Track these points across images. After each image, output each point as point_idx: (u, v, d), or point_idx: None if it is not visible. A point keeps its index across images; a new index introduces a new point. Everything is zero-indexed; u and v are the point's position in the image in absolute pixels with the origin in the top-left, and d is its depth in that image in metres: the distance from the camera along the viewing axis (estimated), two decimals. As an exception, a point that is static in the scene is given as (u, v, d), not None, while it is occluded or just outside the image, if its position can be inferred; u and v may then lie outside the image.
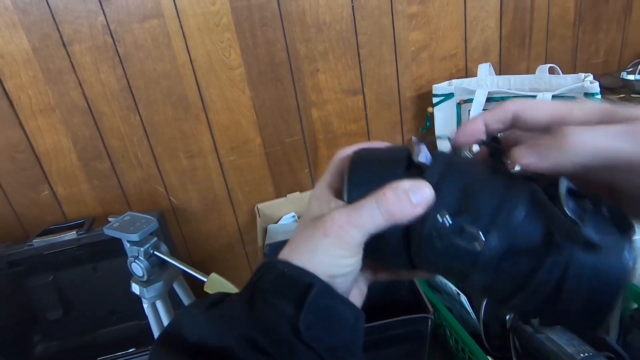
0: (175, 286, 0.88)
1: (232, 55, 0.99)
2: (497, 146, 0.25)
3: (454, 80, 1.08)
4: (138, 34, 0.93)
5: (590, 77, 0.91)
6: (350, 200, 0.25)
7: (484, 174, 0.24)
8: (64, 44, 0.90)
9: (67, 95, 0.94)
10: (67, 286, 1.00)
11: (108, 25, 0.91)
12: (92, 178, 1.03)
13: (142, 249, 0.76)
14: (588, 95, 0.91)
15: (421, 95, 1.16)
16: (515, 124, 0.24)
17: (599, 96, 0.91)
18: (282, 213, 1.14)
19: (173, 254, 0.82)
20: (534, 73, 1.01)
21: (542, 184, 0.22)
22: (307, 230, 0.25)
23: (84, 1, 0.88)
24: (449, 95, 1.08)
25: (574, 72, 0.97)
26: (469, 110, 1.04)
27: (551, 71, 1.00)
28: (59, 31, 0.89)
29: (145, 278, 0.78)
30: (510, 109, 0.24)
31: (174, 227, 1.11)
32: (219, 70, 1.00)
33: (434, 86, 1.08)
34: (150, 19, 0.92)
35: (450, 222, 0.22)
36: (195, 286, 0.94)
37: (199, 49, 0.97)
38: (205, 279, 0.74)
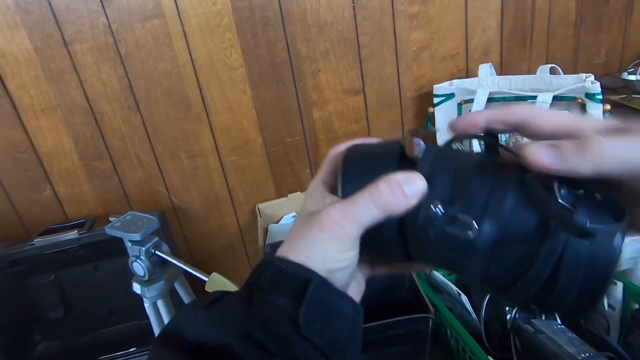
0: (177, 286, 0.88)
1: (233, 55, 1.00)
2: (491, 141, 0.25)
3: (454, 81, 1.08)
4: (139, 34, 0.93)
5: (591, 77, 0.91)
6: (345, 196, 0.25)
7: (475, 163, 0.24)
8: (65, 44, 0.90)
9: (68, 95, 0.95)
10: (68, 286, 1.00)
11: (109, 25, 0.91)
12: (94, 178, 1.03)
13: (143, 248, 0.76)
14: (589, 95, 0.91)
15: (422, 96, 1.16)
16: (520, 129, 0.24)
17: (600, 96, 0.91)
18: (283, 213, 1.14)
19: (174, 253, 0.82)
20: (535, 73, 1.01)
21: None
22: (304, 226, 0.25)
23: (85, 1, 0.88)
24: (450, 96, 1.08)
25: (575, 73, 0.97)
26: (470, 111, 1.04)
27: (552, 71, 1.00)
28: (60, 31, 0.89)
29: (146, 277, 0.78)
30: (518, 113, 0.24)
31: (175, 227, 1.12)
32: (220, 70, 1.00)
33: (435, 86, 1.08)
34: (151, 19, 0.92)
35: (443, 211, 0.22)
36: (196, 286, 0.94)
37: (200, 49, 0.97)
38: (206, 279, 0.74)
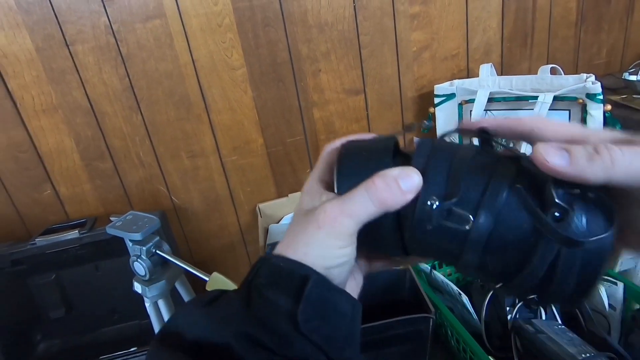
0: (177, 285, 0.88)
1: (234, 55, 1.00)
2: (485, 136, 0.26)
3: (455, 81, 1.08)
4: (140, 34, 0.93)
5: (592, 77, 0.91)
6: (341, 192, 0.25)
7: (470, 157, 0.24)
8: (66, 44, 0.91)
9: (69, 95, 0.95)
10: (69, 285, 1.00)
11: (111, 26, 0.91)
12: (95, 178, 1.03)
13: (144, 248, 0.76)
14: (590, 95, 0.91)
15: (422, 96, 1.16)
16: (527, 138, 0.24)
17: (601, 97, 0.91)
18: (284, 213, 1.14)
19: (175, 253, 0.82)
20: (536, 73, 1.01)
21: (527, 163, 0.23)
22: (300, 224, 0.25)
23: (87, 1, 0.88)
24: (451, 96, 1.08)
25: (576, 73, 0.97)
26: (471, 111, 1.04)
27: (553, 72, 1.00)
28: (62, 31, 0.89)
29: (147, 277, 0.78)
30: (527, 122, 0.24)
31: (175, 227, 1.12)
32: (221, 70, 1.00)
33: (436, 86, 1.08)
34: (152, 19, 0.93)
35: (439, 205, 0.23)
36: (197, 286, 0.94)
37: (201, 49, 0.97)
38: (207, 279, 0.74)
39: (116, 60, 0.94)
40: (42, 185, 1.01)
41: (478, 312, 0.71)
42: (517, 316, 0.68)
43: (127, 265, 0.79)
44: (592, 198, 0.21)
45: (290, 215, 1.14)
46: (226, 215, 1.15)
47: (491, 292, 0.71)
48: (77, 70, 0.93)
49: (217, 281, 0.73)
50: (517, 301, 0.69)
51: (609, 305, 0.68)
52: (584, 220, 0.21)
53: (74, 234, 0.92)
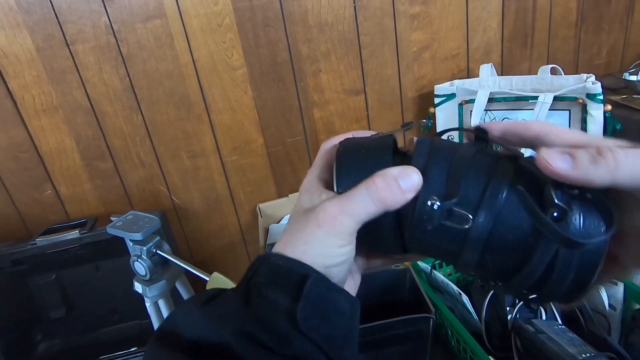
0: (178, 285, 0.88)
1: (234, 55, 1.00)
2: (482, 135, 0.26)
3: (455, 81, 1.08)
4: (141, 34, 0.93)
5: (592, 77, 0.91)
6: (340, 190, 0.25)
7: (468, 156, 0.24)
8: (67, 44, 0.91)
9: (70, 95, 0.95)
10: (69, 285, 1.00)
11: (111, 25, 0.91)
12: (95, 177, 1.03)
13: (144, 248, 0.76)
14: (590, 96, 0.91)
15: (423, 96, 1.16)
16: (535, 143, 0.25)
17: (601, 97, 0.91)
18: (284, 213, 1.14)
19: (175, 253, 0.82)
20: (536, 74, 1.01)
21: (526, 163, 0.23)
22: (299, 222, 0.25)
23: (87, 1, 0.88)
24: (451, 96, 1.08)
25: (576, 73, 0.97)
26: (471, 111, 1.04)
27: (553, 72, 1.00)
28: (62, 31, 0.90)
29: (147, 277, 0.78)
30: (534, 128, 0.25)
31: (176, 227, 1.12)
32: (222, 70, 1.00)
33: (436, 86, 1.08)
34: (153, 19, 0.93)
35: (439, 205, 0.23)
36: (198, 285, 0.94)
37: (201, 49, 0.97)
38: (207, 278, 0.74)
39: (117, 60, 0.94)
40: (42, 185, 1.01)
41: (478, 312, 0.71)
42: (517, 316, 0.68)
43: (128, 265, 0.79)
44: (591, 199, 0.21)
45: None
46: (226, 215, 1.15)
47: (491, 292, 0.71)
48: (78, 70, 0.93)
49: (218, 281, 0.73)
50: (517, 301, 0.69)
51: (609, 305, 0.68)
52: (582, 220, 0.21)
53: (74, 233, 0.92)
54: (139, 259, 0.77)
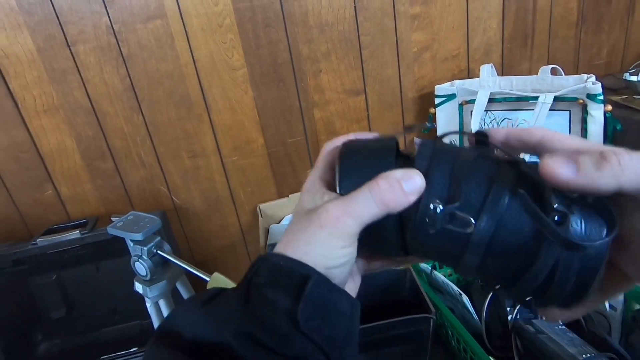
0: (178, 285, 0.88)
1: (234, 55, 1.00)
2: (482, 139, 0.26)
3: (456, 81, 1.08)
4: (141, 34, 0.93)
5: (593, 78, 0.91)
6: (343, 192, 0.25)
7: (470, 159, 0.24)
8: (68, 45, 0.91)
9: (71, 96, 0.95)
10: (70, 285, 1.00)
11: (112, 26, 0.91)
12: (96, 178, 1.03)
13: (145, 248, 0.76)
14: (590, 96, 0.91)
15: (423, 96, 1.16)
16: (537, 149, 0.25)
17: (602, 97, 0.91)
18: (284, 213, 1.14)
19: (175, 253, 0.82)
20: (536, 74, 1.01)
21: (527, 168, 0.23)
22: (302, 223, 0.25)
23: (88, 2, 0.89)
24: (451, 96, 1.08)
25: (577, 73, 0.97)
26: (471, 111, 1.04)
27: (553, 72, 1.00)
28: (63, 32, 0.90)
29: (148, 277, 0.78)
30: (537, 133, 0.25)
31: (176, 227, 1.12)
32: (222, 70, 1.00)
33: (436, 87, 1.09)
34: (153, 19, 0.93)
35: (442, 208, 0.23)
36: (198, 286, 0.94)
37: (202, 50, 0.97)
38: (207, 279, 0.74)
39: (117, 60, 0.94)
40: (43, 185, 1.01)
41: (478, 313, 0.71)
42: (518, 316, 0.68)
43: (128, 266, 0.79)
44: (591, 203, 0.21)
45: (291, 215, 1.13)
46: (227, 215, 1.15)
47: (492, 293, 0.71)
48: (79, 71, 0.93)
49: (218, 281, 0.73)
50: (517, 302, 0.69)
51: (610, 305, 0.68)
52: (583, 224, 0.21)
53: (75, 234, 0.92)
54: (139, 259, 0.77)
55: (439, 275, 0.78)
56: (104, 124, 0.99)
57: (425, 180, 0.24)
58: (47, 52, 0.90)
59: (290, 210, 1.14)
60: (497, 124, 1.06)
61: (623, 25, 1.26)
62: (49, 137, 0.97)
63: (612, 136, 0.95)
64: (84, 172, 1.02)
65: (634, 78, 1.08)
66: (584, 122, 0.95)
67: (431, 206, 0.23)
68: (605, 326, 0.68)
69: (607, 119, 0.93)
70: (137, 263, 0.77)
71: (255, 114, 1.06)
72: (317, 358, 0.23)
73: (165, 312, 0.84)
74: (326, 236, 0.24)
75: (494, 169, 0.24)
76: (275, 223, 1.13)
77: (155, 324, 0.87)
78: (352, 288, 0.28)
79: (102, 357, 0.98)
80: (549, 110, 0.94)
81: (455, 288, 0.74)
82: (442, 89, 1.08)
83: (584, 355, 0.56)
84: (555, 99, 0.93)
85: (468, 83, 1.06)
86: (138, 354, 0.97)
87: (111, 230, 0.78)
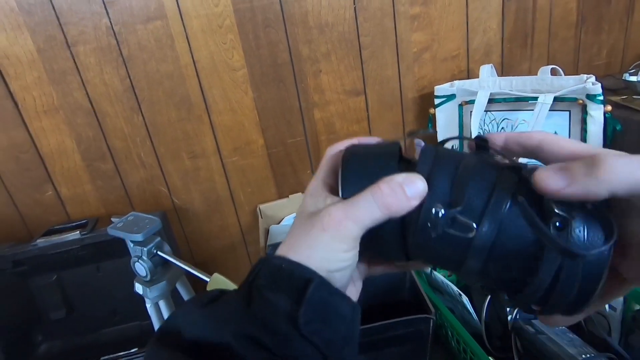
0: (178, 286, 0.88)
1: (234, 56, 1.00)
2: (482, 143, 0.26)
3: (455, 82, 1.08)
4: (141, 35, 0.93)
5: (592, 78, 0.91)
6: (346, 196, 0.25)
7: (472, 164, 0.24)
8: (68, 45, 0.91)
9: (71, 96, 0.95)
10: (70, 286, 1.00)
11: (112, 27, 0.91)
12: (96, 178, 1.04)
13: (145, 249, 0.76)
14: (590, 96, 0.91)
15: (423, 97, 1.16)
16: (536, 152, 0.25)
17: (601, 97, 0.91)
18: (284, 214, 1.14)
19: (175, 254, 0.82)
20: (536, 74, 1.01)
21: (528, 173, 0.23)
22: (304, 226, 0.25)
23: (88, 3, 0.89)
24: (451, 97, 1.08)
25: (576, 74, 0.97)
26: (471, 112, 1.04)
27: (553, 72, 1.00)
28: (63, 32, 0.90)
29: (148, 278, 0.78)
30: (536, 137, 0.25)
31: (176, 228, 1.12)
32: (222, 71, 1.00)
33: (436, 87, 1.09)
34: (153, 20, 0.93)
35: (444, 213, 0.23)
36: (198, 286, 0.94)
37: (202, 50, 0.97)
38: (208, 279, 0.74)
39: (117, 61, 0.94)
40: (43, 186, 1.01)
41: (478, 313, 0.71)
42: (518, 317, 0.69)
43: (128, 266, 0.79)
44: (590, 209, 0.21)
45: (291, 216, 1.14)
46: (227, 216, 1.16)
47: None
48: (79, 71, 0.94)
49: (218, 282, 0.73)
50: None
51: (609, 306, 0.68)
52: (583, 231, 0.21)
53: (75, 235, 0.92)
54: (139, 260, 0.77)
55: (439, 276, 0.78)
56: (104, 125, 0.99)
57: (427, 184, 0.24)
58: (47, 53, 0.90)
59: (291, 211, 1.14)
60: (497, 124, 1.06)
61: (623, 25, 1.26)
62: (49, 138, 0.97)
63: (611, 136, 0.95)
64: (84, 172, 1.02)
65: (633, 78, 1.08)
66: (584, 122, 0.95)
67: (433, 210, 0.23)
68: (605, 326, 0.68)
69: (607, 119, 0.93)
70: (137, 264, 0.77)
71: (255, 115, 1.07)
72: None
73: (165, 313, 0.84)
74: (328, 239, 0.24)
75: (496, 174, 0.24)
76: (275, 224, 1.13)
77: (155, 324, 0.87)
78: (353, 293, 0.28)
79: (102, 358, 0.98)
80: (549, 110, 0.94)
81: (455, 288, 0.74)
82: (441, 89, 1.08)
83: (583, 356, 0.56)
84: (555, 99, 0.93)
85: (468, 83, 1.06)
86: (138, 355, 0.97)
87: (111, 231, 0.78)
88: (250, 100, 1.05)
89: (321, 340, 0.23)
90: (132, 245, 0.77)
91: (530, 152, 0.25)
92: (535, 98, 0.95)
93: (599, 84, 0.90)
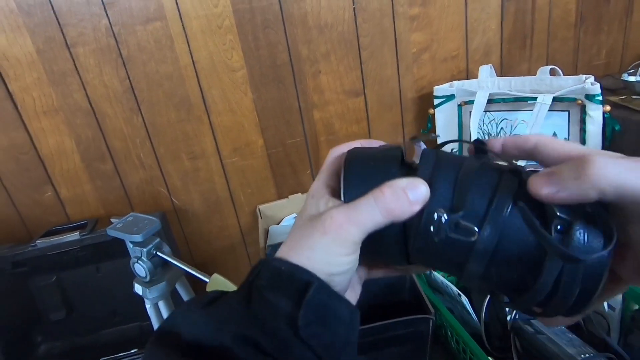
0: (178, 287, 0.88)
1: (234, 57, 1.00)
2: (480, 147, 0.26)
3: (455, 82, 1.08)
4: (141, 36, 0.94)
5: (592, 78, 0.91)
6: (348, 199, 0.25)
7: (473, 169, 0.24)
8: (67, 46, 0.91)
9: (70, 97, 0.95)
10: (70, 287, 1.00)
11: (111, 28, 0.92)
12: (95, 179, 1.04)
13: (144, 249, 0.76)
14: (589, 96, 0.91)
15: (422, 97, 1.16)
16: (533, 155, 0.25)
17: (600, 97, 0.91)
18: (284, 214, 1.14)
19: (175, 255, 0.82)
20: (535, 74, 1.01)
21: (527, 176, 0.23)
22: (305, 229, 0.25)
23: (88, 4, 0.89)
24: (450, 97, 1.08)
25: (575, 74, 0.97)
26: (470, 112, 1.04)
27: (552, 73, 1.00)
28: (62, 33, 0.90)
29: (148, 279, 0.78)
30: (532, 139, 0.25)
31: (176, 229, 1.12)
32: (221, 72, 1.00)
33: (435, 88, 1.09)
34: (153, 21, 0.93)
35: (447, 217, 0.23)
36: (198, 287, 0.94)
37: (201, 51, 0.97)
38: (207, 280, 0.74)
39: (117, 62, 0.94)
40: (42, 186, 1.01)
41: (478, 313, 0.71)
42: (517, 317, 0.69)
43: (128, 267, 0.79)
44: (590, 211, 0.21)
45: (291, 216, 1.14)
46: (226, 216, 1.16)
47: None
48: (78, 72, 0.94)
49: (218, 283, 0.73)
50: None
51: (608, 305, 0.68)
52: (584, 235, 0.21)
53: (74, 235, 0.92)
54: (139, 261, 0.77)
55: (438, 276, 0.78)
56: (104, 126, 0.99)
57: (429, 189, 0.24)
58: (47, 54, 0.90)
59: (290, 211, 1.14)
60: (496, 124, 1.06)
61: (622, 26, 1.27)
62: (48, 139, 0.97)
63: (610, 137, 0.95)
64: (83, 173, 1.02)
65: (632, 78, 1.08)
66: (583, 122, 0.95)
67: (435, 215, 0.23)
68: (604, 326, 0.68)
69: (606, 119, 0.93)
70: (136, 264, 0.77)
71: (254, 115, 1.07)
72: None
73: (164, 314, 0.84)
74: (329, 243, 0.24)
75: (497, 178, 0.24)
76: (275, 224, 1.13)
77: (155, 325, 0.87)
78: (353, 297, 0.28)
79: (101, 359, 0.98)
80: (548, 110, 0.94)
81: (455, 289, 0.74)
82: (441, 89, 1.08)
83: (582, 356, 0.56)
84: (554, 99, 0.93)
85: (467, 84, 1.06)
86: (138, 356, 0.97)
87: (111, 232, 0.78)
88: (250, 101, 1.05)
89: (319, 343, 0.23)
90: (131, 246, 0.77)
91: (527, 154, 0.25)
92: (535, 98, 0.96)
93: (598, 84, 0.90)
